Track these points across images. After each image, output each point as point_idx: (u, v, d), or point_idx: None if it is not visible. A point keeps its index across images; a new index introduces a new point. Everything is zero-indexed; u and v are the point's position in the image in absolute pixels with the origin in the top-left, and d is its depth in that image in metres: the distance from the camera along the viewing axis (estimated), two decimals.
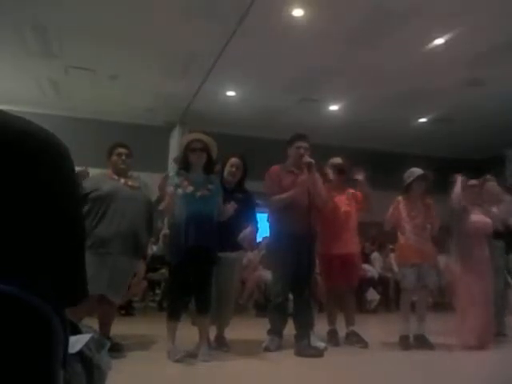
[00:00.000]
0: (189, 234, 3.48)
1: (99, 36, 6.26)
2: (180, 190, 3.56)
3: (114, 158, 3.80)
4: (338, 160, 4.59)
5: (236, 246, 3.91)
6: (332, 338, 4.34)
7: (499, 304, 4.60)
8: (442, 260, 7.95)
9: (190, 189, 3.50)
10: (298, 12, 5.71)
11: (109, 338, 3.48)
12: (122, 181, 3.73)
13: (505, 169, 9.84)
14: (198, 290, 3.60)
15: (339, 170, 4.49)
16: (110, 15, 5.76)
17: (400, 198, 4.53)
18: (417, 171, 4.52)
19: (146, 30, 6.10)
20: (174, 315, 3.60)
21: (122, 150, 3.84)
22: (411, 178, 4.48)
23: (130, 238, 3.57)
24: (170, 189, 3.57)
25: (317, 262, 4.44)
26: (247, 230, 3.89)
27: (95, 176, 3.77)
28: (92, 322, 3.34)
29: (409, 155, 9.54)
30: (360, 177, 4.39)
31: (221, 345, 3.87)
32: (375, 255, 7.75)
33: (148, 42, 6.38)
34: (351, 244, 4.39)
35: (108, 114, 9.05)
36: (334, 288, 4.45)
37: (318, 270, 4.68)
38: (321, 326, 4.33)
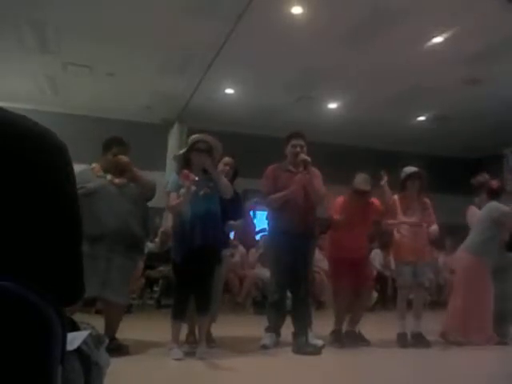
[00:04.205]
0: (194, 233, 3.47)
1: (97, 33, 6.24)
2: (183, 190, 3.55)
3: (109, 157, 3.69)
4: (362, 185, 4.27)
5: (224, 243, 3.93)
6: (337, 338, 4.26)
7: (506, 308, 4.54)
8: (440, 258, 7.98)
9: (193, 188, 3.49)
10: (296, 10, 5.70)
11: (114, 339, 3.48)
12: (109, 177, 3.63)
13: (502, 168, 9.85)
14: (199, 289, 3.59)
15: (363, 193, 4.31)
16: (108, 12, 5.74)
17: (396, 196, 4.54)
18: (410, 169, 4.53)
19: (144, 28, 6.09)
20: (179, 315, 3.59)
21: (120, 148, 3.73)
22: (404, 176, 4.49)
23: (121, 236, 3.49)
24: (173, 195, 3.58)
25: (327, 263, 4.40)
26: (236, 222, 4.08)
27: (82, 171, 3.54)
28: (99, 322, 3.33)
29: (407, 153, 9.53)
30: (383, 182, 4.40)
31: (208, 341, 3.87)
32: (376, 252, 7.74)
33: (146, 39, 6.37)
34: (362, 249, 4.37)
35: (106, 111, 9.02)
36: (346, 289, 4.32)
37: (317, 268, 4.67)
38: (318, 323, 4.32)
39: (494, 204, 4.58)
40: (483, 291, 4.40)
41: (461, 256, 4.71)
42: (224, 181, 3.67)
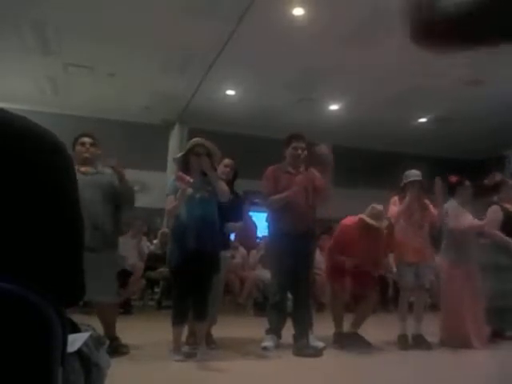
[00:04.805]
0: (189, 236, 3.46)
1: (97, 33, 6.24)
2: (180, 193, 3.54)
3: (78, 147, 3.68)
4: (373, 221, 4.14)
5: (223, 245, 3.92)
6: (337, 340, 4.24)
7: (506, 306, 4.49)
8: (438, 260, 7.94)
9: (189, 191, 3.48)
10: (298, 11, 5.70)
11: (115, 339, 3.46)
12: (76, 168, 3.56)
13: (504, 169, 9.84)
14: (196, 295, 3.57)
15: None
16: (108, 12, 5.74)
17: (396, 197, 4.52)
18: (412, 175, 4.47)
19: (145, 28, 6.09)
20: (179, 318, 3.57)
21: (85, 139, 3.73)
22: (404, 182, 4.47)
23: (91, 229, 3.24)
24: (170, 198, 3.56)
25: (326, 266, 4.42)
26: (236, 224, 4.14)
27: None
28: (99, 324, 3.32)
29: (408, 155, 9.55)
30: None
31: (208, 342, 3.86)
32: None
33: (147, 39, 6.37)
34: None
35: (106, 111, 9.03)
36: (343, 291, 4.31)
37: (317, 269, 4.66)
38: (319, 325, 4.31)
39: (447, 204, 4.50)
40: (466, 294, 4.30)
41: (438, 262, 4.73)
42: (221, 185, 3.65)
